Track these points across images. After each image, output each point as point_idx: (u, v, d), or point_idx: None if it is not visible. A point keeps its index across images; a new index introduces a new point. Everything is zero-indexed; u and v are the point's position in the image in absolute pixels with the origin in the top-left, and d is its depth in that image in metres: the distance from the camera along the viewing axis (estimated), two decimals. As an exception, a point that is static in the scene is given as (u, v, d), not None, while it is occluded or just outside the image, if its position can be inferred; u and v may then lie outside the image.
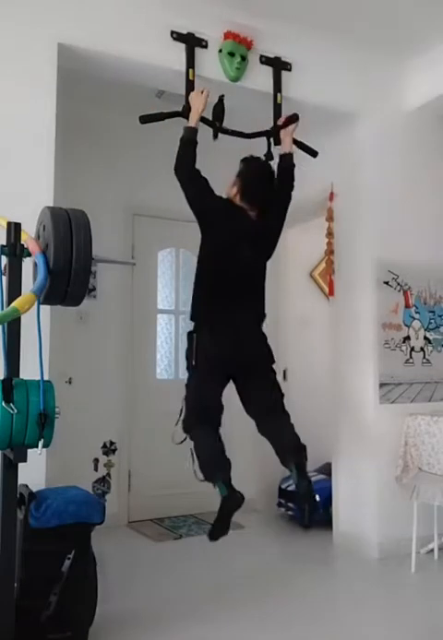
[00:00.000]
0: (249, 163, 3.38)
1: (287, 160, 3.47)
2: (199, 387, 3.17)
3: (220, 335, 3.13)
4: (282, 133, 3.55)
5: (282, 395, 3.29)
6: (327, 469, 4.76)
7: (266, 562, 3.97)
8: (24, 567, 2.52)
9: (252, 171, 3.36)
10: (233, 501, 2.93)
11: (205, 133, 3.53)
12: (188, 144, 3.24)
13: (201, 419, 3.13)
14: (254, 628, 2.95)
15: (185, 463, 3.12)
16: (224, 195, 3.34)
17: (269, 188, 3.35)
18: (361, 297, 4.18)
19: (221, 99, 3.47)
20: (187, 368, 3.24)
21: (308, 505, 3.08)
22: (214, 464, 3.03)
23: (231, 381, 3.25)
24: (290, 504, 4.62)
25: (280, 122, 3.58)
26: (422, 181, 4.32)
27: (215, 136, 3.50)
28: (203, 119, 3.45)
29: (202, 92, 3.35)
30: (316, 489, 4.40)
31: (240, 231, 3.23)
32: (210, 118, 3.48)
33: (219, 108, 3.48)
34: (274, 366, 3.31)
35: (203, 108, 3.33)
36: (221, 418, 3.17)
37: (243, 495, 2.94)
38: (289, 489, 4.62)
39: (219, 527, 2.98)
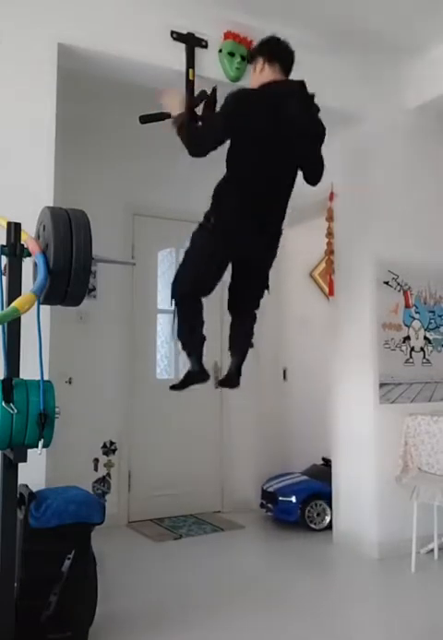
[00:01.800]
0: (265, 40, 3.26)
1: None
2: (198, 269, 3.21)
3: (231, 229, 3.13)
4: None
5: (262, 295, 3.40)
6: (313, 471, 4.80)
7: (266, 562, 3.97)
8: (24, 567, 2.52)
9: (269, 40, 3.25)
10: (199, 376, 3.25)
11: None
12: (186, 126, 3.14)
13: (196, 294, 3.24)
14: (254, 628, 2.95)
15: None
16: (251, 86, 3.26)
17: (289, 49, 3.24)
18: (361, 297, 4.18)
19: (214, 89, 3.41)
20: (201, 225, 3.21)
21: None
22: (193, 338, 3.27)
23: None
24: (270, 505, 4.65)
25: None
26: (422, 181, 4.32)
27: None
28: (203, 119, 3.44)
29: (177, 91, 3.27)
30: (295, 490, 4.54)
31: (280, 116, 3.10)
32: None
33: (212, 97, 3.36)
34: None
35: (180, 102, 3.21)
36: (209, 294, 3.28)
37: (209, 375, 3.27)
38: (269, 490, 4.67)
39: (177, 387, 3.30)
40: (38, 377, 2.16)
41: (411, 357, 4.22)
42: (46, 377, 2.26)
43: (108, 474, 4.77)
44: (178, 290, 3.26)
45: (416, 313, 4.27)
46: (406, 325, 4.22)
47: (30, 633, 2.48)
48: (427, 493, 3.67)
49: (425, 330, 4.30)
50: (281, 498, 4.59)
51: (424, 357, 4.27)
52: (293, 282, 5.57)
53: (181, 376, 5.19)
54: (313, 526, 4.50)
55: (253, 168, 3.14)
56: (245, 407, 5.10)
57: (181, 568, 3.79)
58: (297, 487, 4.62)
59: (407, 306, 4.23)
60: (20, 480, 2.39)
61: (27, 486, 2.63)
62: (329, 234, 4.43)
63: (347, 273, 4.30)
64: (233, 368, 3.36)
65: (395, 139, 4.24)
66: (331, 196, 4.41)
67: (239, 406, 5.08)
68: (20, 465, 2.26)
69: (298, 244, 5.38)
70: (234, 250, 3.21)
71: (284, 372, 5.59)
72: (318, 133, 3.31)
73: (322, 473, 4.70)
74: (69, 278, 2.28)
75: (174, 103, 3.24)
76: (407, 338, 4.21)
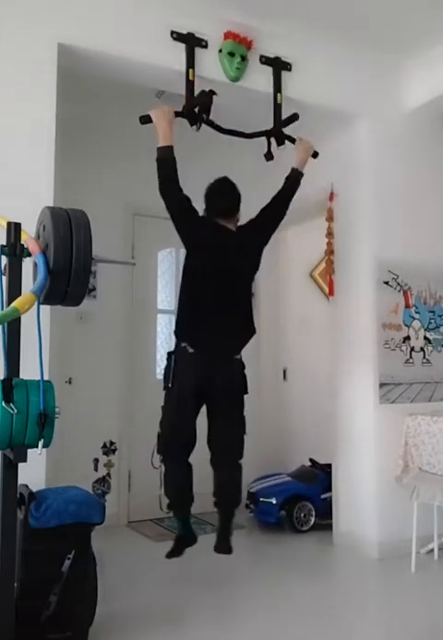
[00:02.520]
0: (209, 185, 3.37)
1: (295, 175, 3.48)
2: (175, 414, 3.21)
3: (198, 357, 3.13)
4: (300, 152, 3.55)
5: (243, 435, 3.31)
6: (299, 473, 4.77)
7: (266, 562, 3.97)
8: (24, 567, 2.52)
9: (210, 188, 3.35)
10: (188, 540, 3.25)
11: (206, 134, 3.54)
12: (168, 163, 3.21)
13: (175, 449, 3.22)
14: (254, 628, 2.95)
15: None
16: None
17: (230, 197, 3.33)
18: (361, 297, 4.18)
19: (210, 93, 3.40)
20: (164, 388, 3.24)
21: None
22: (180, 499, 3.26)
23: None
24: (252, 506, 4.64)
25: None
26: (422, 181, 4.32)
27: (192, 124, 3.44)
28: (204, 120, 3.45)
29: (167, 111, 3.26)
30: (276, 492, 4.53)
31: (222, 246, 3.21)
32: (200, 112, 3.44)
33: (208, 99, 3.39)
34: (246, 397, 3.35)
35: (169, 125, 3.24)
36: (193, 447, 3.22)
37: (196, 537, 3.27)
38: (251, 491, 4.65)
39: (173, 553, 3.23)
40: (38, 377, 2.16)
41: (411, 357, 4.22)
42: (46, 377, 2.27)
43: (108, 474, 4.76)
44: (163, 445, 3.26)
45: (416, 313, 4.27)
46: (406, 325, 4.22)
47: (30, 633, 2.48)
48: (427, 493, 3.67)
49: (425, 330, 4.30)
50: (261, 499, 4.57)
51: (424, 357, 4.27)
52: (293, 282, 5.57)
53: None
54: (298, 527, 4.48)
55: (205, 291, 3.18)
56: (245, 406, 5.09)
57: (181, 568, 3.79)
58: (278, 488, 4.59)
59: (407, 306, 4.23)
60: (20, 480, 2.39)
61: (27, 486, 2.63)
62: (329, 234, 4.43)
63: (347, 273, 4.30)
64: (220, 531, 3.23)
65: (395, 139, 4.23)
66: (331, 196, 4.41)
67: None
68: (20, 465, 2.26)
69: (298, 244, 5.38)
70: (201, 390, 3.16)
71: (284, 372, 5.58)
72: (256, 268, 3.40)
73: (308, 474, 4.71)
74: (69, 278, 2.28)
75: (163, 126, 3.24)
76: (407, 338, 4.21)
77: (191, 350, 3.14)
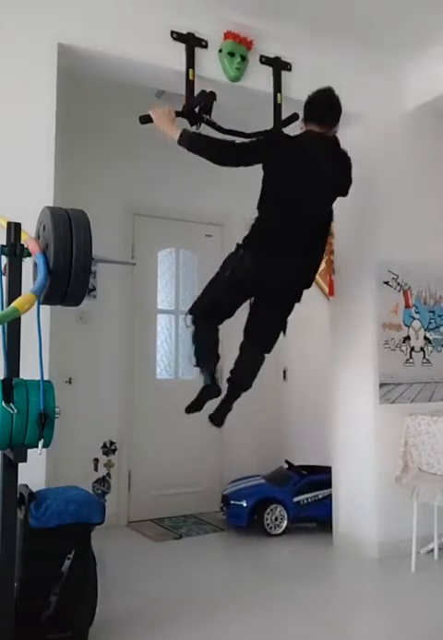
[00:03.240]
0: (311, 95, 3.40)
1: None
2: (223, 293, 3.33)
3: (262, 263, 3.24)
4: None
5: (277, 338, 3.52)
6: (273, 475, 4.67)
7: (265, 562, 3.97)
8: (24, 567, 2.52)
9: (313, 96, 3.38)
10: (213, 391, 3.39)
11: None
12: (197, 141, 3.20)
13: (211, 316, 3.37)
14: (254, 627, 2.95)
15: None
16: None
17: (334, 104, 3.38)
18: (361, 297, 4.18)
19: (211, 94, 3.41)
20: (221, 266, 3.36)
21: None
22: (207, 355, 3.42)
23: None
24: (225, 508, 4.56)
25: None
26: (422, 181, 4.32)
27: (192, 124, 3.45)
28: (205, 120, 3.45)
29: (167, 110, 3.28)
30: (246, 494, 4.44)
31: (312, 152, 3.25)
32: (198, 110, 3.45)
33: (210, 99, 3.41)
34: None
35: (171, 122, 3.26)
36: (225, 319, 3.41)
37: (221, 389, 3.42)
38: (224, 493, 4.59)
39: (194, 406, 3.42)
40: (38, 377, 2.17)
41: (411, 357, 4.21)
42: (46, 377, 2.27)
43: (108, 474, 4.76)
44: (196, 309, 3.38)
45: (416, 313, 4.27)
46: (406, 325, 4.22)
47: (30, 633, 2.48)
48: (427, 493, 3.67)
49: (425, 330, 4.30)
50: (232, 502, 4.48)
51: (424, 357, 4.27)
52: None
53: (181, 376, 5.22)
54: (269, 531, 4.38)
55: (282, 209, 3.26)
56: (245, 406, 5.09)
57: (181, 568, 3.79)
58: (249, 491, 4.49)
59: (407, 306, 4.23)
60: (20, 480, 2.39)
61: (27, 486, 2.63)
62: (330, 234, 4.42)
63: (347, 273, 4.30)
64: (220, 404, 3.41)
65: (394, 139, 4.23)
66: (331, 196, 4.40)
67: (239, 406, 5.07)
68: (20, 465, 2.26)
69: (298, 244, 5.36)
70: (260, 285, 3.29)
71: (284, 372, 5.58)
72: (344, 188, 3.48)
73: (281, 477, 4.61)
74: (69, 278, 2.28)
75: (166, 123, 3.26)
76: (407, 338, 4.21)
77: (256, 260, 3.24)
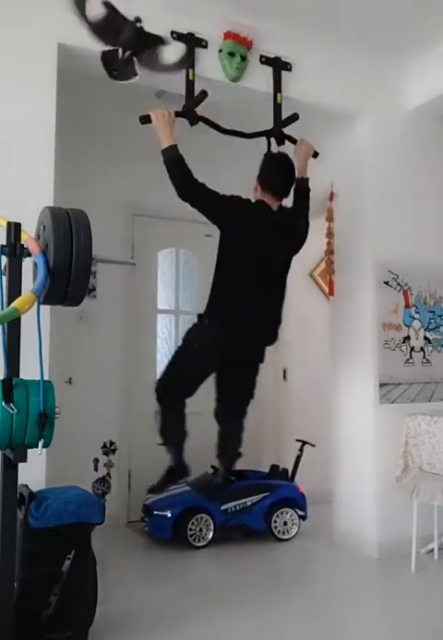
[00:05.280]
0: (267, 155, 3.49)
1: (303, 184, 3.55)
2: (190, 368, 3.35)
3: (226, 330, 3.26)
4: (299, 157, 3.60)
5: (249, 400, 3.53)
6: (199, 482, 4.29)
7: (265, 562, 3.97)
8: (24, 567, 2.52)
9: (269, 160, 3.46)
10: (180, 472, 3.42)
11: (207, 134, 3.55)
12: (177, 163, 3.21)
13: (177, 394, 3.40)
14: (254, 627, 2.95)
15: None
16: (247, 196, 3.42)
17: (287, 176, 3.45)
18: (361, 297, 4.18)
19: (202, 92, 3.39)
20: (183, 340, 3.40)
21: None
22: (174, 435, 3.44)
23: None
24: (146, 519, 4.25)
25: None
26: (422, 181, 4.32)
27: (192, 124, 3.46)
28: (203, 119, 3.45)
29: (167, 113, 3.28)
30: (170, 504, 4.14)
31: (263, 228, 3.30)
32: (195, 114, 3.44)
33: (197, 99, 3.40)
34: (260, 366, 3.53)
35: (169, 126, 3.26)
36: (189, 397, 3.44)
37: (189, 470, 3.42)
38: (146, 503, 4.25)
39: (157, 489, 3.50)
40: (38, 377, 2.16)
41: (411, 357, 4.21)
42: (46, 377, 2.26)
43: (108, 474, 4.76)
44: (161, 388, 3.41)
45: (416, 313, 4.27)
46: (406, 325, 4.22)
47: (30, 633, 2.48)
48: (427, 493, 3.67)
49: (425, 330, 4.30)
50: (156, 512, 4.14)
51: (424, 357, 4.27)
52: (293, 282, 5.53)
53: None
54: (194, 543, 4.09)
55: (238, 274, 3.30)
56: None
57: (181, 568, 3.79)
58: (174, 500, 4.15)
59: (407, 306, 4.23)
60: (20, 480, 2.39)
61: (27, 486, 2.63)
62: (329, 234, 4.43)
63: (347, 273, 4.30)
64: (222, 478, 3.56)
65: (394, 139, 4.23)
66: (331, 196, 4.41)
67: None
68: (20, 465, 2.26)
69: (298, 244, 5.36)
70: (232, 348, 3.29)
71: (284, 372, 5.58)
72: (296, 249, 3.53)
73: (207, 483, 4.26)
74: (69, 278, 2.28)
75: (163, 127, 3.26)
76: (407, 338, 4.21)
77: (219, 327, 3.27)
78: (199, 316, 3.36)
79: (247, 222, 3.28)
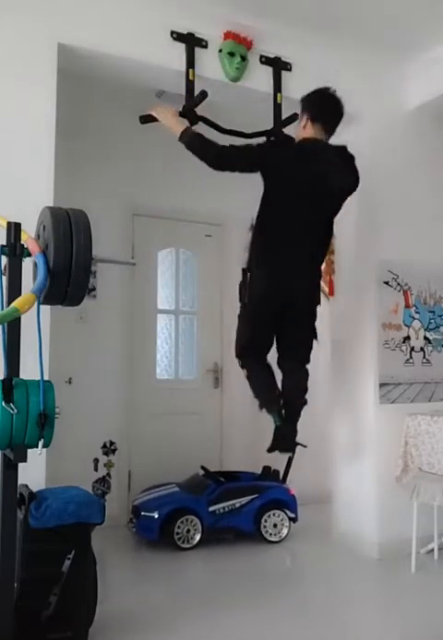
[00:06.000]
0: (313, 92, 3.43)
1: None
2: (251, 326, 3.35)
3: (272, 276, 3.26)
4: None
5: (311, 346, 3.49)
6: (188, 483, 4.34)
7: (266, 562, 3.97)
8: (24, 567, 2.52)
9: (318, 94, 3.42)
10: (285, 430, 3.35)
11: (207, 134, 3.54)
12: (198, 140, 3.22)
13: (254, 352, 3.39)
14: (254, 627, 2.94)
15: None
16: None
17: (339, 109, 3.42)
18: (361, 297, 4.18)
19: (202, 92, 3.41)
20: (240, 300, 3.38)
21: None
22: (268, 395, 3.39)
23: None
24: (134, 520, 4.20)
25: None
26: (421, 181, 4.31)
27: (192, 124, 3.45)
28: (203, 119, 3.45)
29: (169, 109, 3.33)
30: (158, 505, 4.09)
31: (311, 171, 3.26)
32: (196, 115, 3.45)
33: (197, 100, 3.42)
34: (318, 309, 3.52)
35: (175, 115, 3.31)
36: (269, 351, 3.43)
37: (297, 430, 3.38)
38: (135, 504, 4.25)
39: (276, 447, 3.39)
40: (38, 377, 2.17)
41: (411, 357, 4.22)
42: (46, 377, 2.27)
43: (108, 474, 4.76)
44: (239, 351, 3.40)
45: (416, 313, 4.27)
46: (406, 325, 4.22)
47: (30, 633, 2.48)
48: (427, 493, 3.67)
49: (425, 330, 4.30)
50: (143, 513, 4.10)
51: (424, 357, 4.27)
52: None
53: (181, 376, 5.22)
54: (181, 544, 4.04)
55: (284, 216, 3.27)
56: (245, 406, 5.10)
57: (181, 568, 3.79)
58: (162, 501, 4.13)
59: (407, 306, 4.23)
60: (20, 480, 2.39)
61: (27, 486, 2.63)
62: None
63: (347, 273, 4.30)
64: (288, 428, 3.37)
65: (394, 139, 4.23)
66: (331, 196, 4.40)
67: (239, 406, 5.08)
68: (20, 465, 2.26)
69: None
70: (274, 305, 3.29)
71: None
72: (350, 191, 3.44)
73: (197, 485, 4.28)
74: (69, 278, 2.28)
75: (170, 118, 3.29)
76: (407, 338, 4.21)
77: (264, 275, 3.28)
78: (243, 271, 3.34)
79: (297, 157, 3.28)
